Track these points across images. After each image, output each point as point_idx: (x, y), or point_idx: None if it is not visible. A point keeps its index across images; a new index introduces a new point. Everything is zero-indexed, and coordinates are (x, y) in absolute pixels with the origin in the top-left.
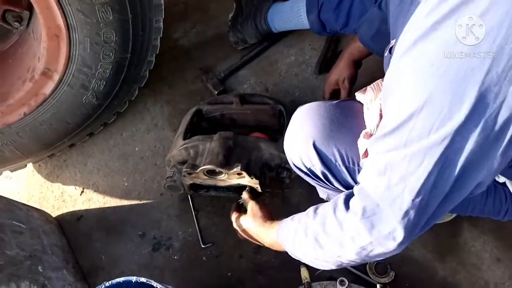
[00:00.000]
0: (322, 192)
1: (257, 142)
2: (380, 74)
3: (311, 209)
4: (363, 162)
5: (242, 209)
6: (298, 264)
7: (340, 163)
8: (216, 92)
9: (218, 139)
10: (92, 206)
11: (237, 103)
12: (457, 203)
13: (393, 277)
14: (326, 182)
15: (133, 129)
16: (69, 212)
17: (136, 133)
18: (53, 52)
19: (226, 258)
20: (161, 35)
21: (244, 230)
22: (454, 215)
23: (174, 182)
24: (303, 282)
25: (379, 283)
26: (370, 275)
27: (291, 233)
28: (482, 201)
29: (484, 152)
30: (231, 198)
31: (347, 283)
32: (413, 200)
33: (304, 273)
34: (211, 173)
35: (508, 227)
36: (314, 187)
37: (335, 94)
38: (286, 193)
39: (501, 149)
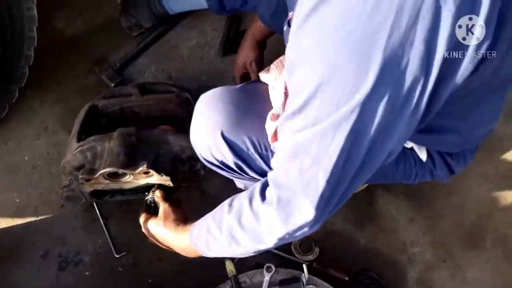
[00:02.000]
0: (239, 182)
1: (164, 135)
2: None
3: (226, 202)
4: (273, 146)
5: (152, 210)
6: (221, 258)
7: (253, 151)
8: (112, 85)
9: (118, 136)
10: None
11: (137, 94)
12: (370, 176)
13: (317, 253)
14: (241, 173)
15: (19, 137)
16: None
17: (24, 141)
18: None
19: (145, 264)
20: (37, 25)
21: (153, 236)
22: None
23: (73, 191)
24: (229, 276)
25: (304, 261)
26: (296, 255)
27: (204, 231)
28: (393, 169)
29: (393, 120)
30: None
31: (273, 269)
32: (327, 181)
33: (230, 266)
34: (113, 176)
35: (417, 188)
36: None
37: (245, 78)
38: (203, 185)
39: (408, 115)
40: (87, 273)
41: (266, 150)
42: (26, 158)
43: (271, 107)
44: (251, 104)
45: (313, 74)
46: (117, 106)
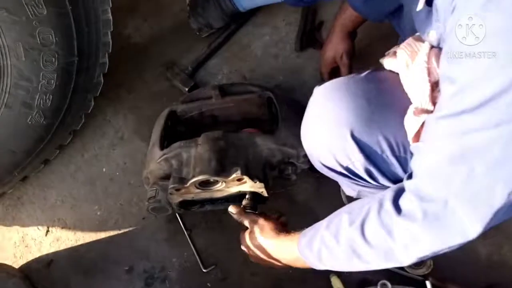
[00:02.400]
0: (351, 189)
1: (252, 138)
2: (371, 40)
3: (343, 210)
4: (415, 147)
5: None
6: (325, 272)
7: (389, 153)
8: (186, 89)
9: (205, 141)
10: (62, 247)
11: (217, 97)
12: None
13: (431, 266)
14: (368, 180)
15: (95, 148)
16: (35, 258)
17: (100, 152)
18: None
19: (236, 279)
20: (112, 29)
21: (253, 250)
22: None
23: (159, 202)
24: None
25: (417, 275)
26: (406, 268)
27: (315, 242)
28: None
29: None
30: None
31: (389, 286)
32: (509, 194)
33: (337, 284)
34: (204, 184)
35: None
36: (322, 179)
37: (333, 74)
38: (290, 191)
39: None
40: None
41: (405, 152)
42: (104, 170)
43: (406, 99)
44: (383, 96)
45: (505, 62)
46: (197, 110)
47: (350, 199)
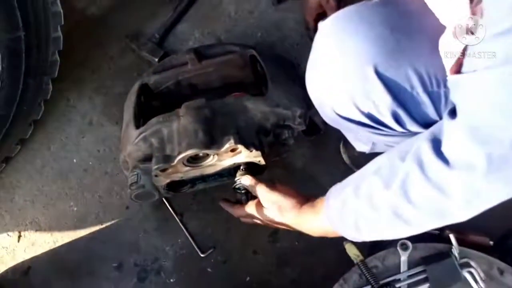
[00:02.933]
0: (362, 143)
1: (240, 103)
2: None
3: (369, 170)
4: (453, 80)
5: (243, 196)
6: (337, 240)
7: (420, 89)
8: (156, 60)
9: (188, 112)
10: (40, 251)
11: (193, 61)
12: None
13: None
14: (394, 126)
15: (62, 138)
16: (10, 268)
17: (68, 142)
18: None
19: (237, 260)
20: None
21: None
22: None
23: (143, 187)
24: (354, 261)
25: (435, 229)
26: None
27: (350, 214)
28: None
29: None
30: (221, 185)
31: (410, 245)
32: None
33: (353, 251)
34: (193, 160)
35: None
36: (317, 140)
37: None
38: (285, 159)
39: None
40: (171, 280)
41: (438, 86)
42: (74, 161)
43: (435, 21)
44: (407, 20)
45: None
46: (172, 80)
47: (353, 159)
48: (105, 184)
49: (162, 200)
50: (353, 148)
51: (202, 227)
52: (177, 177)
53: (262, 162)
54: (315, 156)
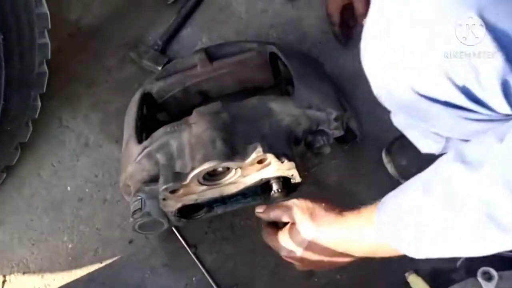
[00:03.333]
0: (431, 141)
1: (264, 105)
2: None
3: (449, 159)
4: None
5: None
6: (392, 271)
7: None
8: (159, 68)
9: (201, 118)
10: None
11: (203, 63)
12: None
13: None
14: (494, 107)
15: (53, 163)
16: None
17: (60, 167)
18: None
19: None
20: None
21: (302, 254)
22: None
23: (148, 215)
24: None
25: None
26: None
27: (415, 217)
28: None
29: None
30: (241, 209)
31: (495, 275)
32: None
33: (419, 284)
34: (211, 177)
35: None
36: (352, 150)
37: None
38: (315, 173)
39: None
40: None
41: None
42: (68, 189)
43: None
44: None
45: None
46: (179, 86)
47: (401, 170)
48: (105, 215)
49: (172, 230)
50: (400, 156)
51: (221, 261)
52: (190, 200)
53: (296, 176)
54: (351, 169)
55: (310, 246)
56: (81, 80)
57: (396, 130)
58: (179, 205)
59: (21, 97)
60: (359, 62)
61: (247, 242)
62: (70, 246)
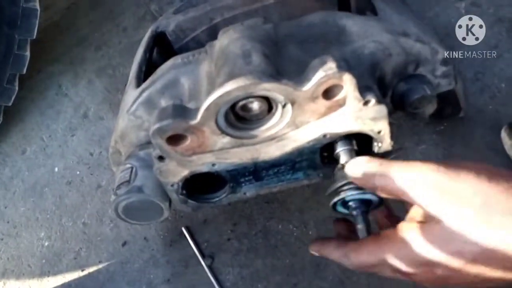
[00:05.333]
0: None
1: (334, 21)
2: None
3: None
4: None
5: (359, 219)
6: None
7: None
8: None
9: (230, 31)
10: None
11: None
12: None
13: None
14: None
15: (43, 137)
16: None
17: (51, 142)
18: None
19: None
20: None
21: (472, 265)
22: None
23: (139, 191)
24: None
25: None
26: None
27: None
28: None
29: None
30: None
31: None
32: None
33: None
34: (239, 122)
35: None
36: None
37: None
38: (396, 159)
39: None
40: None
41: None
42: (56, 169)
43: None
44: None
45: None
46: (204, 24)
47: None
48: (95, 205)
49: (182, 232)
50: None
51: (247, 281)
52: (204, 163)
53: (386, 137)
54: (448, 158)
55: (483, 256)
56: (90, 41)
57: None
58: (185, 172)
59: (4, 37)
60: None
61: (286, 255)
62: (46, 244)
